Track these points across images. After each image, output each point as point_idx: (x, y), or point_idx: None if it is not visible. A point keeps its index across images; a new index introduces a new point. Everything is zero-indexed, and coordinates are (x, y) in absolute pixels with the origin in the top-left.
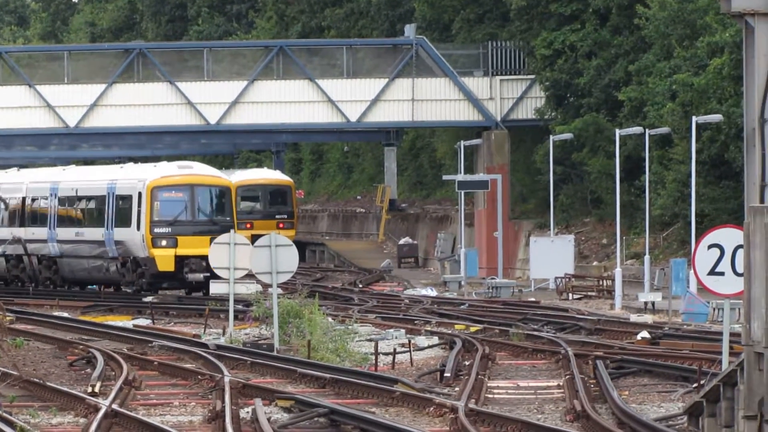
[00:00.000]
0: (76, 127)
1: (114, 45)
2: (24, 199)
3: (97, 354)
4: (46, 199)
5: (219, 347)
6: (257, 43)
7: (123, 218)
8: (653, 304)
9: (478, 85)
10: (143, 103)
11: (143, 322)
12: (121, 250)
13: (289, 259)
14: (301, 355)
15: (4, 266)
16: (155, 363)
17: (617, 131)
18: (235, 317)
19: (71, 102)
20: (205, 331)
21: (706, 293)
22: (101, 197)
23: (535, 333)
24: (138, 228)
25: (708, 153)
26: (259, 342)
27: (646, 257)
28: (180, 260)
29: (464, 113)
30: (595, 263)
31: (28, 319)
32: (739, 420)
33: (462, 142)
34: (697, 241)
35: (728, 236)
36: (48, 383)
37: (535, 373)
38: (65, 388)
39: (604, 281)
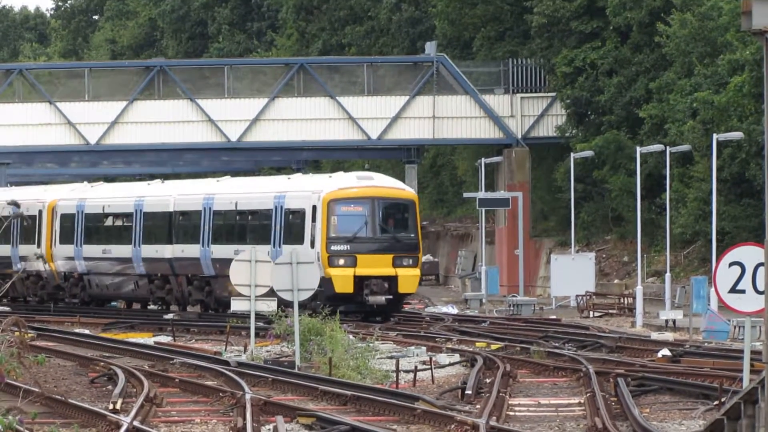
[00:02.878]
0: (97, 144)
1: (134, 62)
2: (171, 214)
3: (119, 371)
4: (199, 213)
5: (240, 364)
6: (278, 61)
7: (293, 235)
8: (674, 321)
9: (499, 102)
10: (164, 121)
11: (164, 339)
12: None
13: (310, 277)
14: (323, 373)
15: (147, 287)
16: (176, 380)
17: (638, 149)
18: (257, 334)
19: (92, 119)
20: (226, 348)
21: (727, 311)
22: (266, 211)
23: (557, 351)
24: (312, 245)
25: (729, 171)
26: (281, 359)
27: (667, 275)
28: (359, 281)
29: (485, 131)
30: (616, 281)
31: (49, 336)
32: None
33: (483, 160)
34: (718, 259)
35: (749, 254)
36: (70, 400)
37: (556, 390)
38: (87, 405)
39: (625, 299)
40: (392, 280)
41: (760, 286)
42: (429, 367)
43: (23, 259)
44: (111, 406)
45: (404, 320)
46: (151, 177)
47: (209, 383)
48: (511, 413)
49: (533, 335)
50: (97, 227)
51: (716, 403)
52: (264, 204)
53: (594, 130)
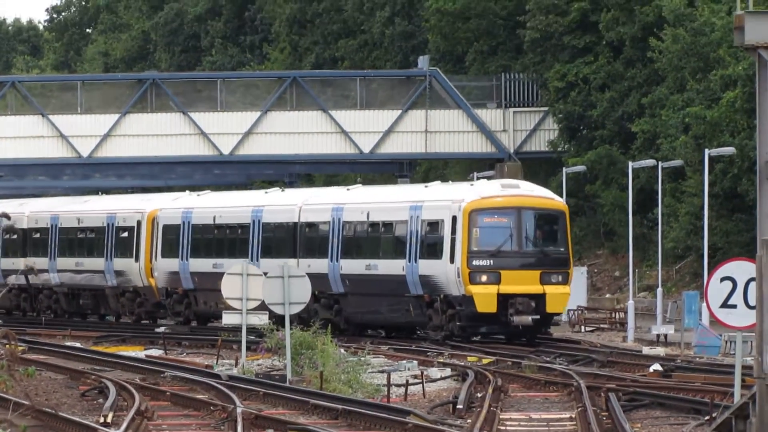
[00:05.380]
0: (89, 157)
1: (127, 75)
2: (296, 225)
3: (110, 384)
4: (326, 224)
5: (231, 378)
6: (271, 74)
7: (430, 248)
8: (666, 336)
9: (492, 116)
10: (156, 134)
11: (155, 352)
12: (427, 286)
13: (302, 290)
14: (314, 387)
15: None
16: (167, 393)
17: (630, 164)
18: (248, 348)
19: (84, 132)
20: (217, 361)
21: (718, 326)
22: (402, 222)
23: (548, 365)
24: (451, 260)
25: (721, 186)
26: (272, 373)
27: (659, 290)
28: (503, 299)
29: (477, 145)
30: (607, 295)
31: (40, 349)
32: None
33: (475, 174)
34: (710, 274)
35: (741, 269)
36: (60, 413)
37: (547, 405)
38: (77, 418)
39: (617, 313)
40: (540, 298)
41: (752, 301)
42: (420, 381)
43: (119, 274)
44: (102, 420)
45: (396, 334)
46: (143, 190)
47: (200, 397)
48: (503, 428)
49: (525, 350)
50: (206, 239)
51: (707, 418)
52: (398, 215)
53: (586, 145)
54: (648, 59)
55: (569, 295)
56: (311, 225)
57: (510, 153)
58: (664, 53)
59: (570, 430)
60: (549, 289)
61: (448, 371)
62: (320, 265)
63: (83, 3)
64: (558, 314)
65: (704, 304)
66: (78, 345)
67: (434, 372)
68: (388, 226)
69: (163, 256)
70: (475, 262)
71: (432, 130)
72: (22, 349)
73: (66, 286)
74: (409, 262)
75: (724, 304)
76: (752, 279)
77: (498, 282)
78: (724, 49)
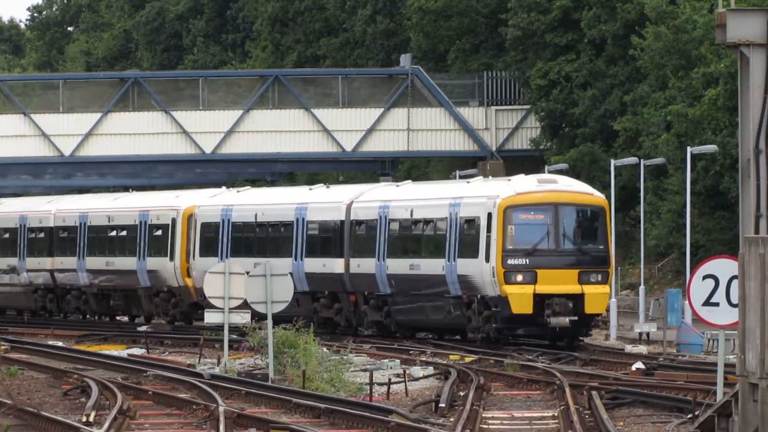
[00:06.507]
0: (71, 156)
1: (109, 74)
2: (343, 223)
3: (92, 383)
4: (374, 222)
5: (214, 377)
6: (253, 73)
7: (468, 247)
8: (648, 334)
9: (474, 115)
10: (138, 132)
11: (138, 351)
12: (465, 287)
13: (284, 289)
14: (296, 385)
15: (308, 306)
16: (150, 392)
17: (612, 161)
18: (230, 347)
19: (66, 131)
20: (199, 360)
21: (701, 324)
22: (442, 219)
23: (530, 363)
24: (486, 259)
25: (703, 183)
26: (254, 372)
27: (641, 288)
28: (540, 300)
29: (459, 143)
30: None
31: (22, 349)
32: None
33: (457, 172)
34: (692, 272)
35: (723, 267)
36: (42, 412)
37: (530, 403)
38: (60, 417)
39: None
40: (578, 298)
41: (734, 299)
42: (403, 380)
43: (152, 274)
44: (84, 419)
45: (379, 332)
46: (125, 189)
47: (182, 396)
48: (485, 426)
49: (507, 348)
50: (247, 238)
51: (690, 416)
52: (439, 212)
53: (568, 143)
54: (630, 57)
55: (609, 295)
56: (360, 223)
57: (492, 151)
58: (646, 51)
59: (552, 429)
60: (588, 289)
61: (430, 370)
62: (368, 264)
63: (65, 2)
64: (598, 315)
65: (687, 302)
66: (60, 344)
67: (417, 371)
68: (430, 223)
69: (201, 255)
70: (510, 261)
71: (414, 129)
72: (5, 348)
73: (95, 286)
74: (449, 261)
75: (707, 302)
76: (735, 277)
77: (534, 282)
78: (706, 47)
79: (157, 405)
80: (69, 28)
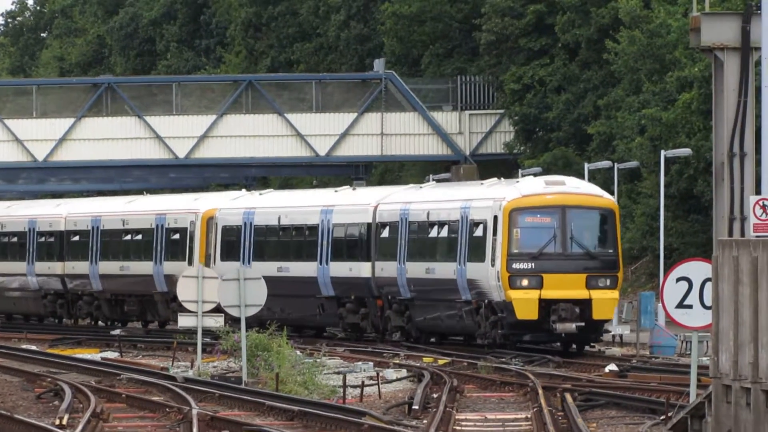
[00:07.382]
0: (45, 161)
1: (82, 79)
2: (370, 226)
3: (65, 386)
4: (396, 224)
5: (187, 380)
6: (226, 77)
7: (475, 251)
8: (621, 336)
9: (447, 119)
10: (112, 137)
11: (111, 354)
12: (474, 291)
13: (257, 292)
14: (270, 388)
15: (334, 311)
16: (123, 395)
17: (586, 165)
18: (204, 350)
19: (40, 136)
20: (173, 363)
21: (674, 326)
22: (454, 222)
23: (504, 365)
24: (492, 263)
25: (677, 187)
26: (227, 375)
27: None
28: (546, 305)
29: (433, 147)
30: None
31: None
32: None
33: (431, 177)
34: (666, 274)
35: (697, 269)
36: (16, 415)
37: (503, 405)
38: (33, 420)
39: None
40: (585, 304)
41: (708, 302)
42: (376, 382)
43: (170, 279)
44: (57, 422)
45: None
46: (99, 194)
47: (156, 399)
48: (458, 428)
49: (480, 350)
50: (270, 242)
51: (663, 417)
52: (451, 215)
53: (542, 147)
54: (604, 61)
55: (618, 300)
56: (384, 225)
57: (466, 155)
58: (620, 55)
59: (526, 430)
60: (596, 294)
61: (404, 372)
62: (391, 268)
63: (38, 8)
64: (606, 321)
65: (660, 305)
66: (34, 348)
67: (390, 373)
68: (443, 226)
69: (223, 259)
70: (515, 266)
71: (388, 133)
72: None
73: (109, 291)
74: (459, 265)
75: (680, 305)
76: (708, 279)
77: (540, 287)
78: (680, 51)
79: (131, 408)
80: (42, 34)
